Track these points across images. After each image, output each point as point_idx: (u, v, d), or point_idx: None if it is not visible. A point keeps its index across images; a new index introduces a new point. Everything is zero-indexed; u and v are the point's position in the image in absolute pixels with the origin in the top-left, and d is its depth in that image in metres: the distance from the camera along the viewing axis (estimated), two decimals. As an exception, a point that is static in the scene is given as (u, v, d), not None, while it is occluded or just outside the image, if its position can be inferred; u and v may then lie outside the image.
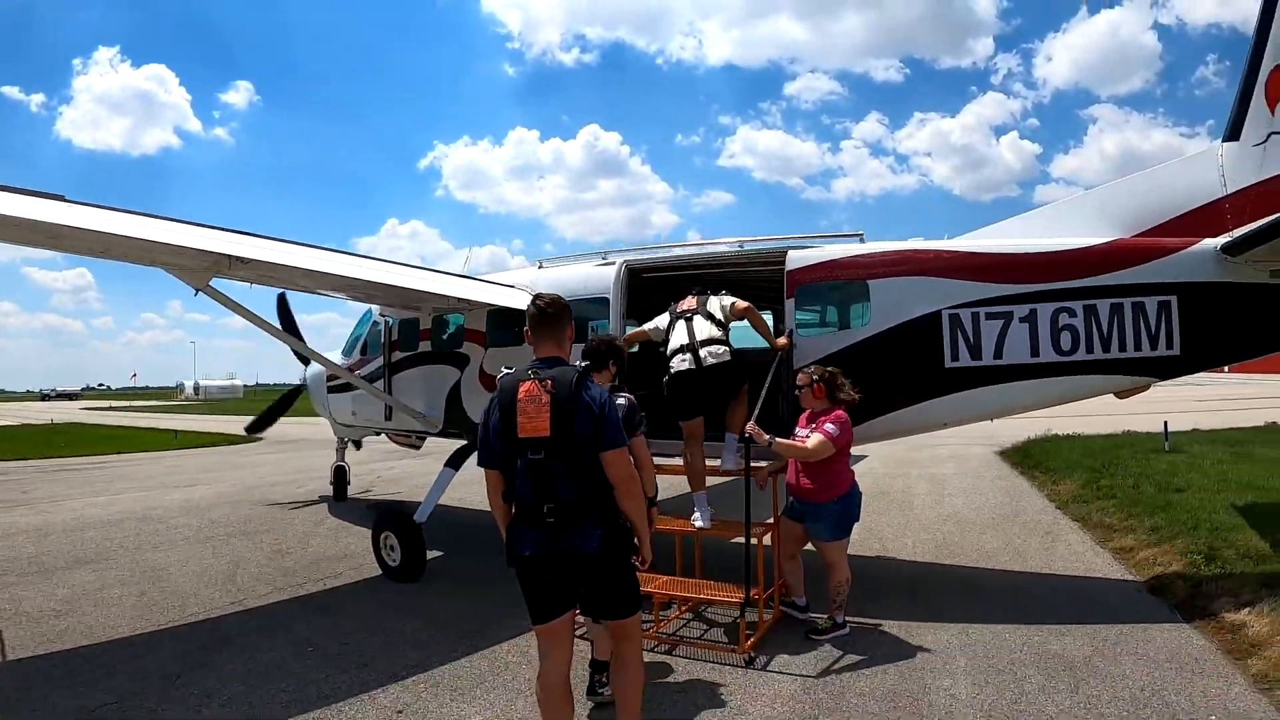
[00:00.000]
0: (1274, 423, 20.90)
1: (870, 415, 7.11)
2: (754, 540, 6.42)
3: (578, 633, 4.73)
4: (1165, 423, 16.90)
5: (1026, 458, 16.61)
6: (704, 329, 6.85)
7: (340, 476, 14.44)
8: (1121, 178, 7.58)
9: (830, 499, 6.39)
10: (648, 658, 5.56)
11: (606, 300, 8.36)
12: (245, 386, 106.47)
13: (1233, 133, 6.87)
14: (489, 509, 4.24)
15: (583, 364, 4.16)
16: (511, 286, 9.14)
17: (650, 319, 7.46)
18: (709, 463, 7.14)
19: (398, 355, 10.41)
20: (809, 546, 6.69)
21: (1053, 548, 9.17)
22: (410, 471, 17.71)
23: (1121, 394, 7.19)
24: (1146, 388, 7.05)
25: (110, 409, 74.46)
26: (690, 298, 7.16)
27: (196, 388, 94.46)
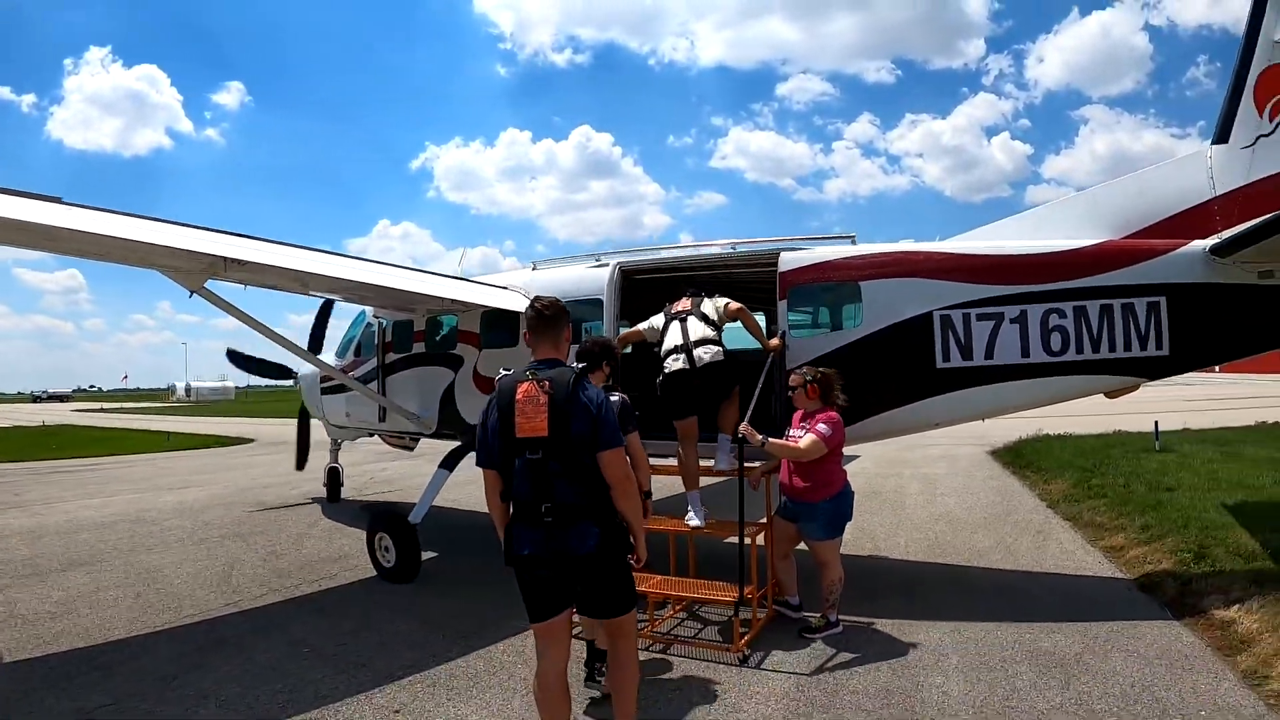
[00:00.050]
0: (1264, 422, 21.01)
1: (862, 415, 7.18)
2: (748, 540, 6.47)
3: (574, 632, 4.76)
4: (1156, 422, 17.00)
5: (1018, 457, 16.66)
6: (698, 329, 6.91)
7: (334, 478, 14.44)
8: (1112, 180, 7.66)
9: (823, 498, 6.43)
10: (643, 657, 5.60)
11: (600, 302, 8.40)
12: (237, 388, 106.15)
13: (1221, 135, 6.94)
14: (483, 510, 4.28)
15: (579, 365, 4.20)
16: (505, 288, 9.17)
17: (644, 321, 7.51)
18: (703, 463, 7.18)
19: (392, 356, 10.42)
20: (802, 546, 6.72)
21: (1044, 546, 9.23)
22: (404, 473, 17.70)
23: (1111, 394, 7.26)
24: (1136, 388, 7.12)
25: (102, 411, 74.22)
26: (685, 299, 7.22)
27: (188, 389, 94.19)
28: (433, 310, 9.69)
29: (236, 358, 13.95)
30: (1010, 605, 7.03)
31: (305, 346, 11.47)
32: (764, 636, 6.46)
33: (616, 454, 4.02)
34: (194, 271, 6.94)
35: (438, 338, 10.01)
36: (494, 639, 6.51)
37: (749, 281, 9.05)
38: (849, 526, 6.72)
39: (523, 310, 8.41)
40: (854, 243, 7.87)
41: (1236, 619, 6.10)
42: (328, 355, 12.10)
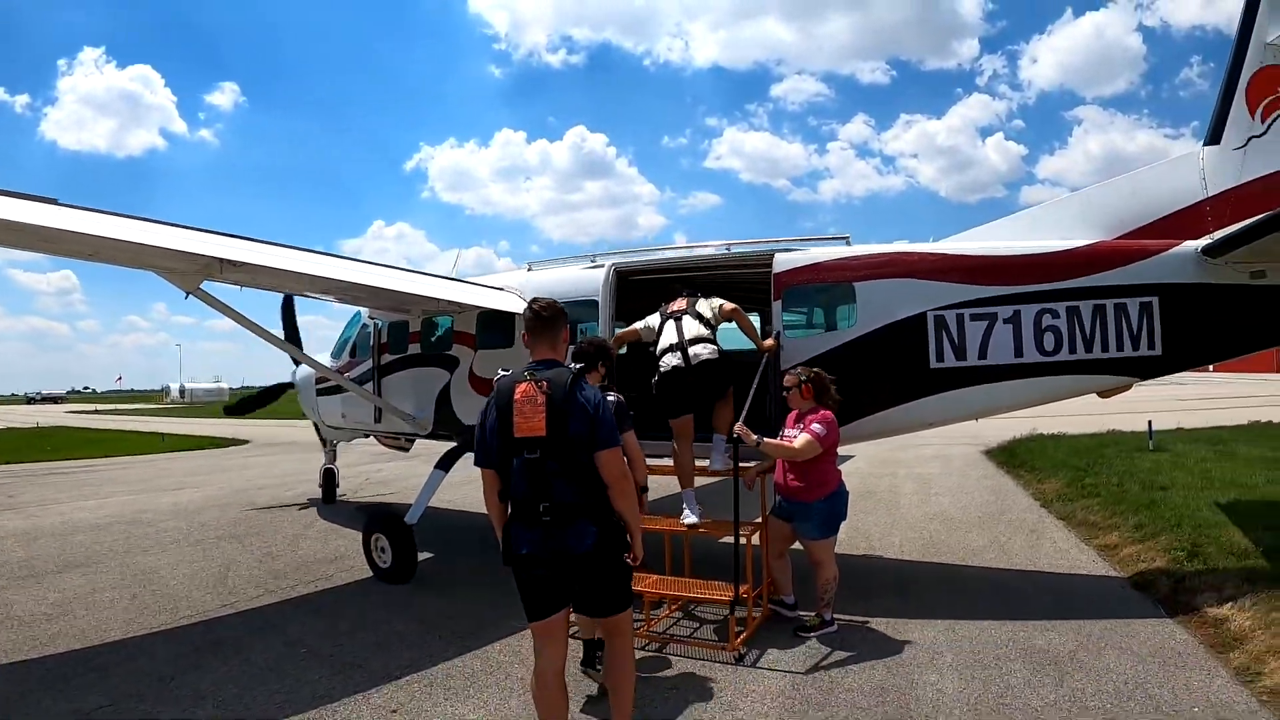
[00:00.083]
0: (1257, 421, 21.08)
1: (857, 415, 7.23)
2: (743, 539, 6.50)
3: (570, 631, 4.78)
4: (1150, 422, 17.02)
5: (1012, 457, 16.70)
6: (693, 328, 6.97)
7: (329, 479, 14.42)
8: (1105, 181, 7.70)
9: (817, 498, 6.46)
10: (639, 656, 5.63)
11: (596, 303, 8.42)
12: (231, 389, 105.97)
13: (1214, 137, 7.00)
14: (479, 511, 4.31)
15: (576, 366, 4.23)
16: (501, 289, 9.19)
17: (639, 321, 7.54)
18: (698, 463, 7.22)
19: (387, 357, 10.42)
20: (797, 545, 6.76)
21: (1038, 545, 9.27)
22: (399, 474, 17.70)
23: (1104, 393, 7.30)
24: (1128, 387, 7.17)
25: (96, 412, 73.97)
26: (680, 299, 7.28)
27: (183, 390, 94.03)
28: (428, 311, 9.69)
29: (234, 411, 14.32)
30: (1004, 604, 7.07)
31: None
32: (759, 635, 6.49)
33: (614, 454, 4.06)
34: (190, 273, 6.94)
35: (433, 339, 10.02)
36: (491, 639, 6.53)
37: (744, 282, 9.08)
38: (844, 526, 6.76)
39: (518, 311, 8.43)
40: (848, 244, 7.90)
41: (1229, 616, 6.14)
42: (323, 356, 12.09)
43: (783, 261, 7.80)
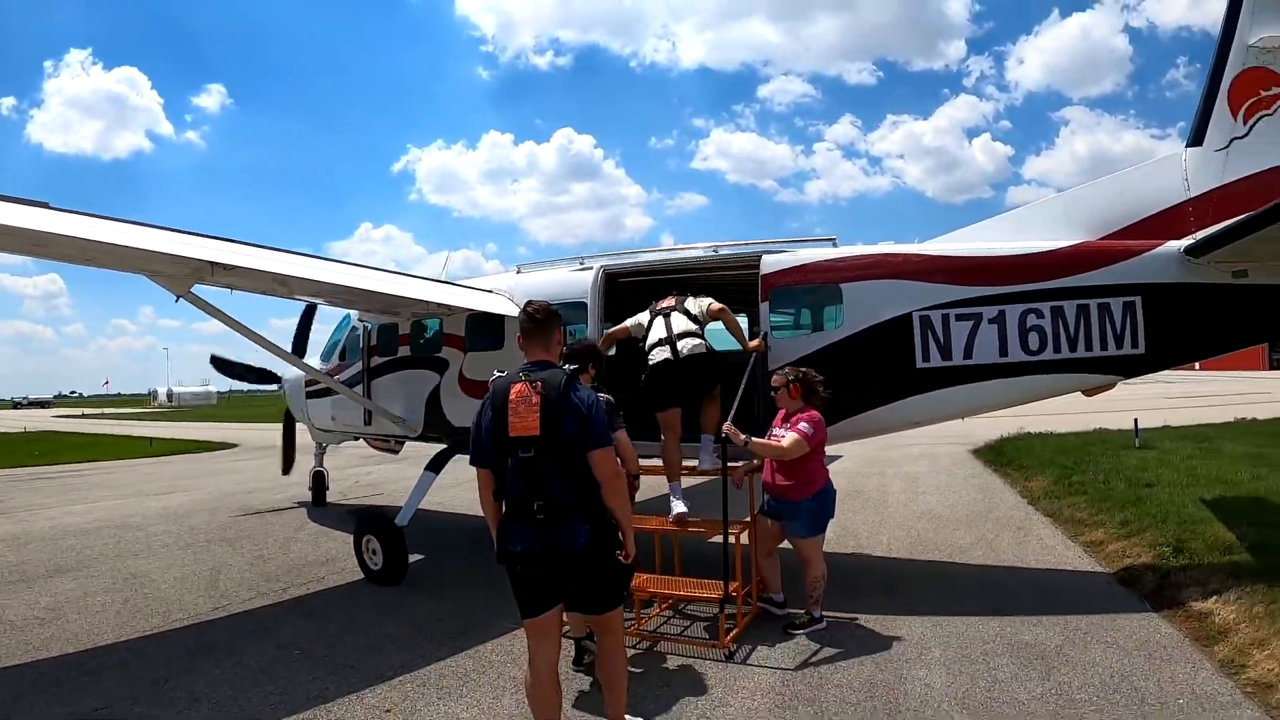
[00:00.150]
0: (1242, 418, 21.27)
1: (844, 415, 7.31)
2: (732, 538, 6.55)
3: (563, 630, 4.83)
4: (1136, 420, 17.16)
5: (999, 455, 16.79)
6: (681, 323, 7.05)
7: (319, 482, 14.41)
8: (1089, 182, 7.78)
9: (805, 496, 6.51)
10: (630, 654, 5.66)
11: (584, 305, 8.46)
12: (219, 393, 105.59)
13: (1196, 138, 7.08)
14: (470, 513, 4.36)
15: (570, 368, 4.30)
16: (490, 291, 9.21)
17: (629, 319, 7.59)
18: (687, 463, 7.27)
19: (377, 360, 10.43)
20: (786, 544, 6.81)
21: (1025, 542, 9.34)
22: (389, 476, 17.70)
23: (1089, 392, 7.38)
24: (1112, 386, 7.25)
25: (84, 416, 73.59)
26: (670, 297, 7.35)
27: (170, 394, 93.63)
28: (418, 314, 9.71)
29: (220, 364, 13.92)
30: (991, 600, 7.13)
31: (289, 350, 11.46)
32: (749, 633, 6.55)
33: (606, 453, 4.14)
34: (181, 276, 6.94)
35: (423, 341, 10.04)
36: (483, 639, 6.56)
37: (731, 283, 9.12)
38: (832, 524, 6.82)
39: (507, 314, 8.47)
40: (835, 245, 7.97)
41: (1214, 610, 6.22)
42: (312, 359, 12.08)
43: (770, 263, 7.86)
